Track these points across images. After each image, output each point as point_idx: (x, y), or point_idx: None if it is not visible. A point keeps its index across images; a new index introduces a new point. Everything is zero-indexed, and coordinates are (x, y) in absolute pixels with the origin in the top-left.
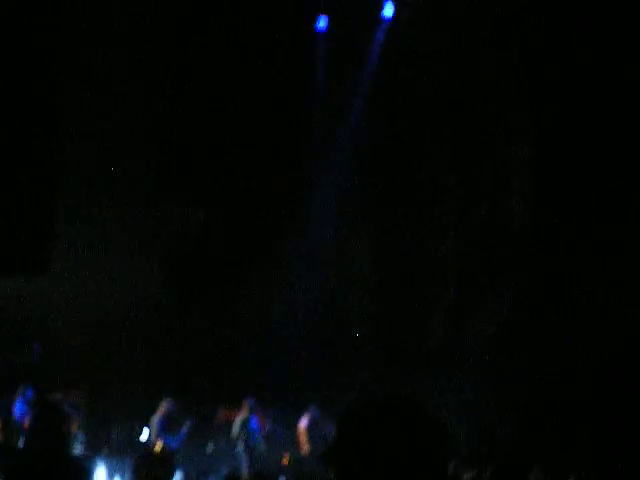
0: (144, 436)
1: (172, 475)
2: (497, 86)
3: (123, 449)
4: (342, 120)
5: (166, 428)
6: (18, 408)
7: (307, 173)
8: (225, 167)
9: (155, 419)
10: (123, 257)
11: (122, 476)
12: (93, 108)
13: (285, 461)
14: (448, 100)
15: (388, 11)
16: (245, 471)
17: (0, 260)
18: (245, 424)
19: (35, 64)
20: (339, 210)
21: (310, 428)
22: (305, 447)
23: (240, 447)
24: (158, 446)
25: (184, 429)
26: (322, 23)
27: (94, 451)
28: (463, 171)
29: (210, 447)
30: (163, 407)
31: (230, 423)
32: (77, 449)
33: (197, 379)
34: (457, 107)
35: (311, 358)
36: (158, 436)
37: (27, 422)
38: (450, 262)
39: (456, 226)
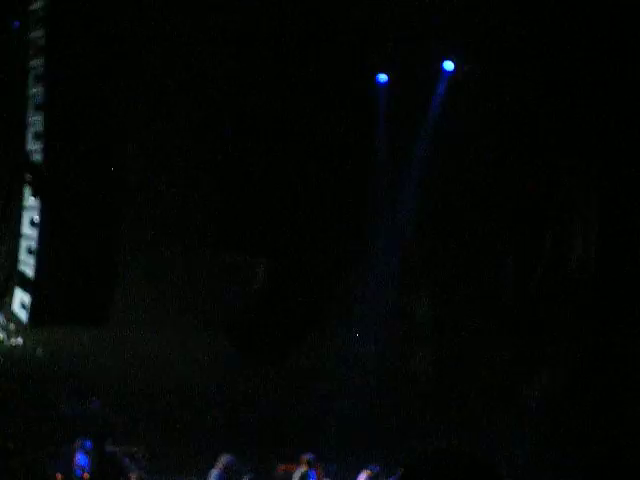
0: None
1: None
2: (561, 132)
3: None
4: (404, 173)
5: None
6: (79, 460)
7: (370, 225)
8: (289, 218)
9: (214, 473)
10: (185, 308)
11: None
12: (156, 156)
13: None
14: (510, 147)
15: (449, 66)
16: None
17: (60, 312)
18: (304, 478)
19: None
20: (401, 260)
21: None
22: None
23: None
24: None
25: None
26: (383, 77)
27: None
28: (524, 221)
29: None
30: (222, 461)
31: (288, 477)
32: None
33: (255, 434)
34: (520, 154)
35: (371, 413)
36: None
37: (87, 474)
38: (512, 311)
39: (518, 273)
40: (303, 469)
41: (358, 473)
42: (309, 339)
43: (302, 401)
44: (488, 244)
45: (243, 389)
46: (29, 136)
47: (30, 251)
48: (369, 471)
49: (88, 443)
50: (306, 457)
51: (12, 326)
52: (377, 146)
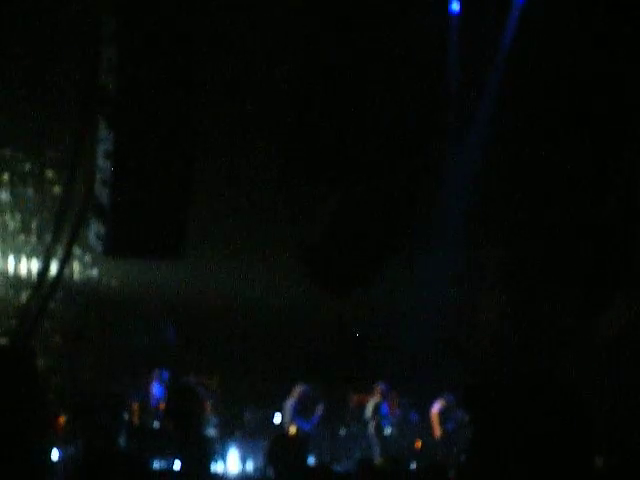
0: (277, 419)
1: (305, 458)
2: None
3: (256, 432)
4: (474, 112)
5: (300, 412)
6: (155, 390)
7: (441, 159)
8: (359, 149)
9: (289, 403)
10: (254, 240)
11: (255, 458)
12: (224, 88)
13: (418, 446)
14: (585, 88)
15: None
16: (377, 455)
17: (134, 243)
18: (377, 409)
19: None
20: (471, 207)
21: (443, 413)
22: (438, 432)
23: (371, 431)
24: (292, 429)
25: (317, 413)
26: (455, 6)
27: (227, 434)
28: (598, 167)
29: (343, 431)
30: (297, 391)
31: (362, 408)
32: (211, 432)
33: (330, 364)
34: (594, 94)
35: (444, 347)
36: (292, 420)
37: (163, 404)
38: (581, 264)
39: (589, 226)
40: (376, 399)
41: (432, 403)
42: (378, 270)
43: (376, 331)
44: (560, 195)
45: (316, 317)
46: (102, 68)
47: (105, 183)
48: (443, 401)
49: (165, 374)
50: (379, 387)
51: (88, 257)
52: (447, 83)
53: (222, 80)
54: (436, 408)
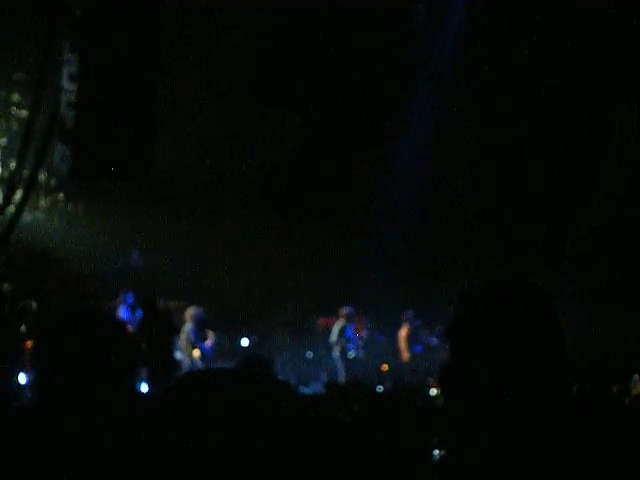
0: (245, 342)
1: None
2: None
3: (223, 356)
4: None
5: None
6: (122, 314)
7: (408, 77)
8: (325, 70)
9: (187, 328)
10: (220, 166)
11: None
12: (193, 12)
13: (384, 369)
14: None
15: None
16: (342, 379)
17: (99, 165)
18: (342, 332)
19: None
20: (440, 119)
21: (410, 336)
22: (405, 355)
23: (336, 355)
24: (196, 353)
25: (210, 339)
26: None
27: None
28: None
29: (309, 355)
30: (191, 315)
31: (329, 331)
32: (179, 355)
33: (296, 290)
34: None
35: (409, 267)
36: (194, 344)
37: (129, 328)
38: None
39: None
40: (342, 323)
41: (399, 325)
42: (342, 193)
43: (341, 255)
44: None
45: (282, 243)
46: None
47: (70, 104)
48: (409, 324)
49: (130, 297)
50: (345, 310)
51: (53, 181)
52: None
53: (191, 4)
54: (403, 332)
